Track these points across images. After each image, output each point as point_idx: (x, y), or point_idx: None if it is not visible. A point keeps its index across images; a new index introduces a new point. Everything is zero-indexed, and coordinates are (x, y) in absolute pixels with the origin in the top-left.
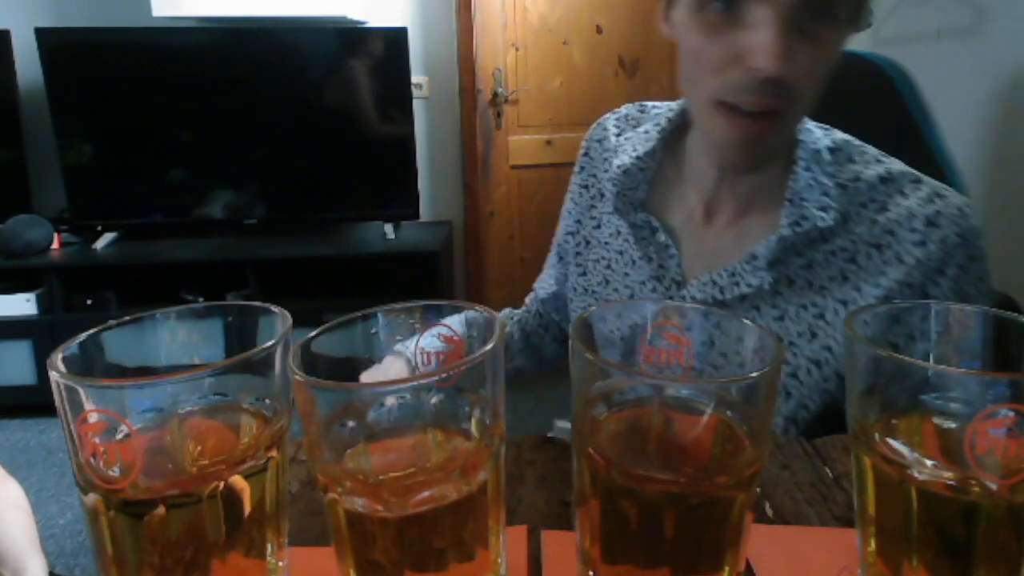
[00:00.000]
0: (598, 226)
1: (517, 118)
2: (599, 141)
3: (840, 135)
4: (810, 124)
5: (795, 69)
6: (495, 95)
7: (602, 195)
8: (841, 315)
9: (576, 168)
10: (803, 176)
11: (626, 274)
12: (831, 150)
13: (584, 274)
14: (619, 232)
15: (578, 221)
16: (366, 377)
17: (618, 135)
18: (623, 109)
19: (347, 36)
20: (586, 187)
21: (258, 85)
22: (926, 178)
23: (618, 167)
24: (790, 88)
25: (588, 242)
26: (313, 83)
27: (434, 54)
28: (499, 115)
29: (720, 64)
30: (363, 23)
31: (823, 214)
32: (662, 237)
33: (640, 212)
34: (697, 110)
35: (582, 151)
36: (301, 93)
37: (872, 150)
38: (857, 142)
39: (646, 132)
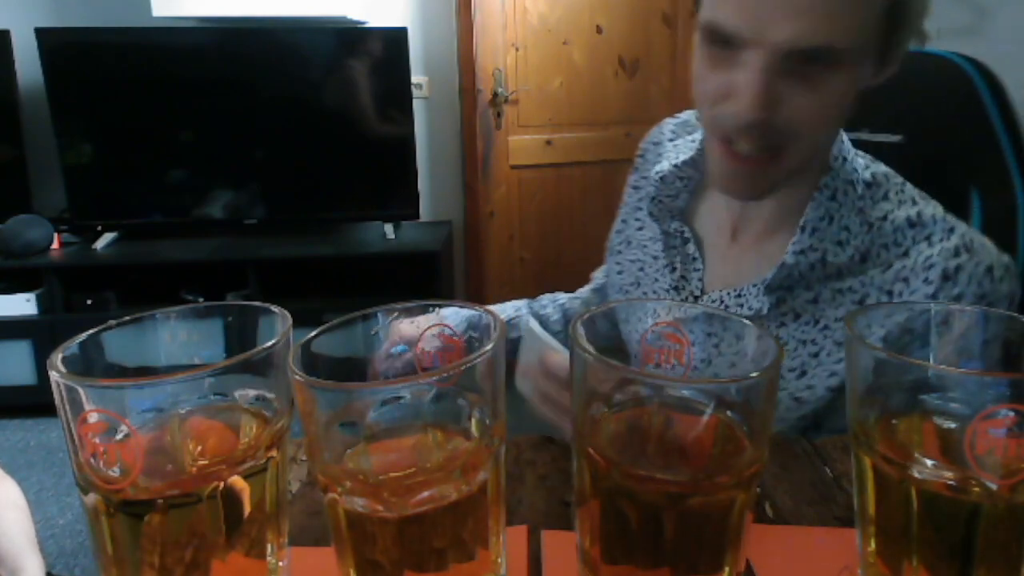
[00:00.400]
0: (641, 228)
1: (517, 118)
2: (655, 144)
3: (883, 169)
4: (854, 153)
5: (786, 112)
6: (495, 95)
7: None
8: (833, 357)
9: (632, 167)
10: (824, 205)
11: (655, 280)
12: (867, 184)
13: (620, 273)
14: (657, 237)
15: (624, 220)
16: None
17: (671, 140)
18: (684, 114)
19: (347, 36)
20: (637, 188)
21: (258, 85)
22: (963, 227)
23: (656, 173)
24: (780, 130)
25: (629, 242)
26: (313, 83)
27: (434, 54)
28: (499, 115)
29: (714, 98)
30: (363, 23)
31: (838, 248)
32: (691, 249)
33: (675, 221)
34: (704, 132)
35: (638, 152)
36: (301, 93)
37: (912, 189)
38: (899, 179)
39: (693, 140)
